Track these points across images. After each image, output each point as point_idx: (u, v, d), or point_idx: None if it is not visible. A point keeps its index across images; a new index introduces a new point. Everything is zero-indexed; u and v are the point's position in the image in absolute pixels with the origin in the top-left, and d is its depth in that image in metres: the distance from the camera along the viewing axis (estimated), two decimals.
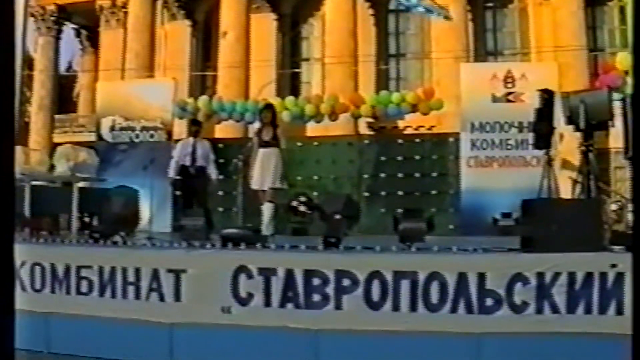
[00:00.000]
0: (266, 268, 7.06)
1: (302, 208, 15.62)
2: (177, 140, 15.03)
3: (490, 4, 32.41)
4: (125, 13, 34.00)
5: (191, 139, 13.53)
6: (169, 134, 17.31)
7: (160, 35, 33.84)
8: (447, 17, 20.21)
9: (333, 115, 17.55)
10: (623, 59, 14.07)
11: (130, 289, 7.50)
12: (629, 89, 12.69)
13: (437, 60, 28.52)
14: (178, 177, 13.35)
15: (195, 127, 13.86)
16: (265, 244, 8.10)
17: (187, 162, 13.20)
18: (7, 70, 2.28)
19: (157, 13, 33.73)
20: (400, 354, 6.64)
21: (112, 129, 17.53)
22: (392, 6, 29.02)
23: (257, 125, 12.72)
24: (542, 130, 10.91)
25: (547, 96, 10.91)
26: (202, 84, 33.98)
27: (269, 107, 12.84)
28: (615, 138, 11.88)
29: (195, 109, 17.99)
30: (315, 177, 16.93)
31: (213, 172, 13.32)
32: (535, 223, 6.89)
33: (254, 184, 11.43)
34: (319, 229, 8.78)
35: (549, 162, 10.68)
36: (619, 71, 14.05)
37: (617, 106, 9.71)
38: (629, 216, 9.95)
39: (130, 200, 10.15)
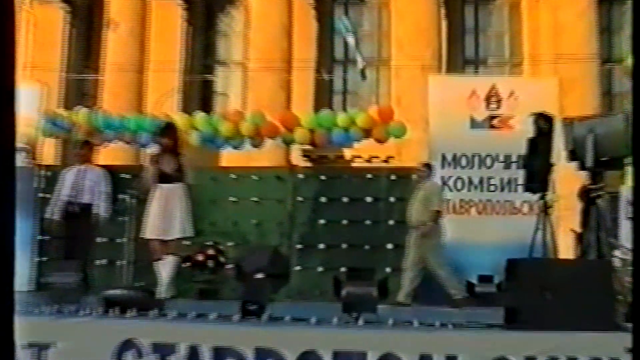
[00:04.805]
0: (162, 344, 7.04)
1: (211, 263, 15.68)
2: (48, 167, 14.81)
3: None
4: None
5: (76, 167, 13.26)
6: (34, 156, 17.11)
7: (26, 22, 33.58)
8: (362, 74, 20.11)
9: (257, 139, 17.53)
10: None
11: None
12: None
13: (398, 69, 28.66)
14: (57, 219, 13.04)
15: (85, 150, 13.58)
16: (162, 311, 8.09)
17: (70, 197, 12.91)
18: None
19: None
20: None
21: None
22: None
23: (153, 150, 12.58)
24: (536, 168, 11.01)
25: (544, 122, 11.03)
26: (79, 90, 33.73)
27: (169, 127, 12.67)
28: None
29: (70, 124, 17.82)
30: (232, 223, 16.85)
31: (101, 207, 12.87)
32: (524, 290, 6.98)
33: (150, 232, 11.14)
34: (234, 292, 8.79)
35: (545, 209, 10.78)
36: None
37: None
38: None
39: None
